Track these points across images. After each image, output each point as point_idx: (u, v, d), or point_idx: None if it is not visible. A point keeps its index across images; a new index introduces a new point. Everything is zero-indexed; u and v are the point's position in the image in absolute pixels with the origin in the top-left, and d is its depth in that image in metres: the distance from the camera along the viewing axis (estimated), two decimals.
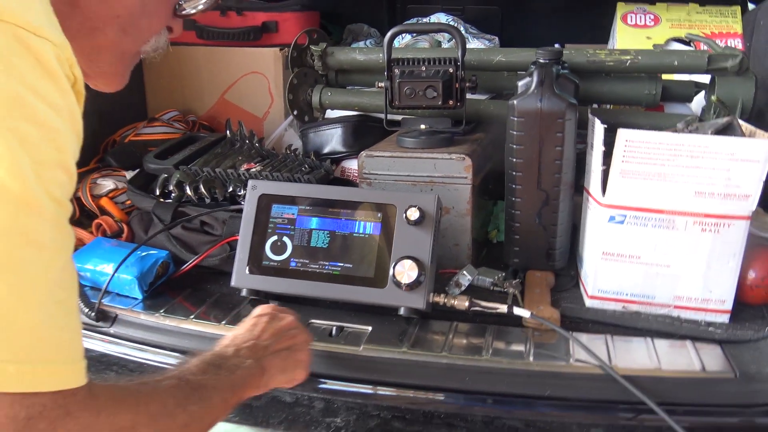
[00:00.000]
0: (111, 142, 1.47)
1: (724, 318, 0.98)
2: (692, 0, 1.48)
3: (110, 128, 1.51)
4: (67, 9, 0.63)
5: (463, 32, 1.54)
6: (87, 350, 0.98)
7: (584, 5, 1.74)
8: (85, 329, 1.02)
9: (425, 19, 1.61)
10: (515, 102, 1.01)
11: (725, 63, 1.14)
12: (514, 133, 1.03)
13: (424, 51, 1.38)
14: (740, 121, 1.00)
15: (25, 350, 0.50)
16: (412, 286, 0.95)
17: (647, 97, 1.22)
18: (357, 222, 1.01)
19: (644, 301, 1.00)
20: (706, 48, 1.22)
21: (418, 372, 0.89)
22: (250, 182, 1.06)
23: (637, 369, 0.86)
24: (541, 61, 1.05)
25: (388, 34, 1.16)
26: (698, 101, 1.29)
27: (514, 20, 1.85)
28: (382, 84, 1.17)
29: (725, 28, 1.43)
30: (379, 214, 1.00)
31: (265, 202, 1.04)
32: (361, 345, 0.92)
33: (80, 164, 1.37)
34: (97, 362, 0.99)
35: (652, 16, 1.48)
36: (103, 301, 1.03)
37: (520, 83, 1.08)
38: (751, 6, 1.49)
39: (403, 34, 1.61)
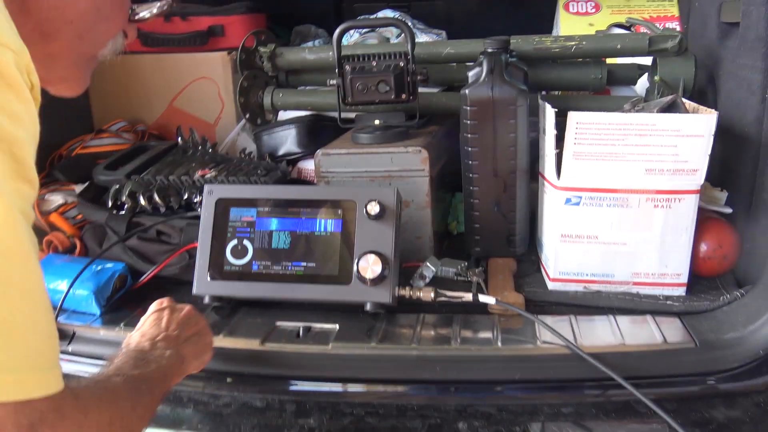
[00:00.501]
0: (57, 157, 1.42)
1: (681, 291, 1.01)
2: None
3: (56, 142, 1.46)
4: (20, 15, 0.61)
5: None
6: None
7: None
8: None
9: (372, 16, 1.61)
10: (467, 91, 1.02)
11: (665, 44, 1.17)
12: (468, 122, 1.04)
13: (373, 47, 1.38)
14: (683, 99, 1.03)
15: (18, 358, 0.52)
16: (377, 281, 0.95)
17: (594, 82, 1.24)
18: (317, 220, 1.00)
19: (604, 280, 1.03)
20: (646, 31, 1.25)
21: (389, 366, 0.89)
22: (206, 187, 1.04)
23: (603, 346, 0.88)
24: (489, 50, 1.07)
25: (337, 31, 1.15)
26: (642, 83, 1.33)
27: (459, 14, 1.86)
28: (333, 82, 1.17)
29: (662, 12, 1.47)
30: (339, 211, 1.00)
31: (223, 207, 1.03)
32: (329, 343, 0.92)
33: None
34: None
35: (593, 4, 1.51)
36: (59, 319, 1.00)
37: (470, 73, 1.09)
38: None
39: (352, 33, 1.61)
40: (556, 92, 1.37)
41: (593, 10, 1.49)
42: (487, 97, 1.01)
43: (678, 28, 1.45)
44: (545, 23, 1.66)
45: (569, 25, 1.48)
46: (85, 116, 1.60)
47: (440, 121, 1.31)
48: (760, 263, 0.98)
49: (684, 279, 1.01)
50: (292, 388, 0.89)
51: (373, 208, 0.97)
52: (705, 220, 1.03)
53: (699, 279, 1.03)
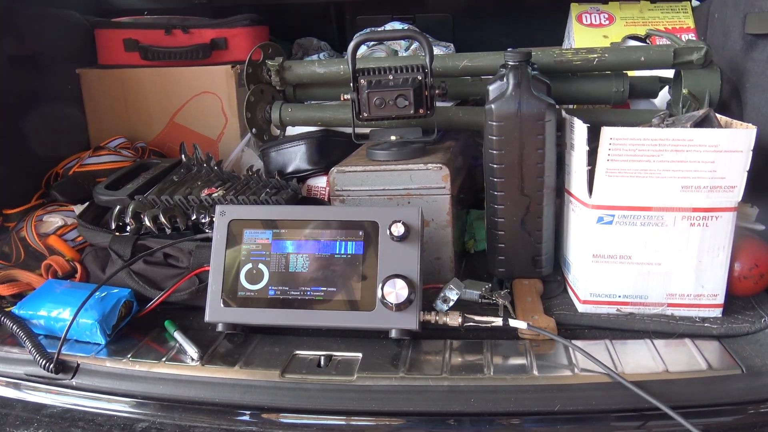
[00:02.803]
0: (54, 175, 1.36)
1: (718, 312, 0.97)
2: None
3: (51, 161, 1.40)
4: None
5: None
6: (47, 407, 0.91)
7: (534, 8, 1.74)
8: (43, 383, 0.93)
9: (380, 29, 1.57)
10: (493, 106, 0.98)
11: (690, 56, 1.14)
12: (494, 138, 0.99)
13: (388, 60, 1.34)
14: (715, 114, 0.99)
15: None
16: (403, 306, 0.90)
17: (615, 95, 1.21)
18: (337, 242, 0.95)
19: (637, 301, 0.98)
20: (667, 42, 1.21)
21: (419, 398, 0.83)
22: (218, 208, 0.98)
23: (645, 374, 0.83)
24: (511, 63, 1.02)
25: (352, 44, 1.11)
26: (662, 96, 1.30)
27: (465, 26, 1.83)
28: (347, 96, 1.12)
29: (678, 24, 1.44)
30: (361, 232, 0.95)
31: (236, 229, 0.97)
32: (354, 374, 0.86)
33: (22, 201, 1.27)
34: (60, 419, 0.89)
35: (607, 15, 1.48)
36: (62, 350, 0.93)
37: (491, 87, 1.04)
38: (695, 2, 1.52)
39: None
40: (571, 106, 1.33)
41: (607, 22, 1.46)
42: (514, 112, 0.97)
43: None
44: (553, 35, 1.63)
45: (583, 36, 1.45)
46: (81, 133, 1.54)
47: (454, 137, 1.27)
48: None
49: (721, 300, 0.96)
50: (317, 422, 0.84)
51: (398, 230, 0.92)
52: (739, 237, 0.99)
53: (733, 299, 0.99)
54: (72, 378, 0.91)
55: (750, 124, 0.91)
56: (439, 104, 1.26)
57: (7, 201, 1.26)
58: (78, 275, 1.11)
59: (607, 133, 0.91)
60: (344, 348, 0.92)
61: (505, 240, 1.05)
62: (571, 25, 1.50)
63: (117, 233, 1.11)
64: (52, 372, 0.91)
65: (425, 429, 0.82)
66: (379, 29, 1.56)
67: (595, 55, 1.16)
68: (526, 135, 0.98)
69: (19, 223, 1.20)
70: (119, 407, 0.89)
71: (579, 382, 0.83)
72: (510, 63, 1.02)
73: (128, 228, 1.11)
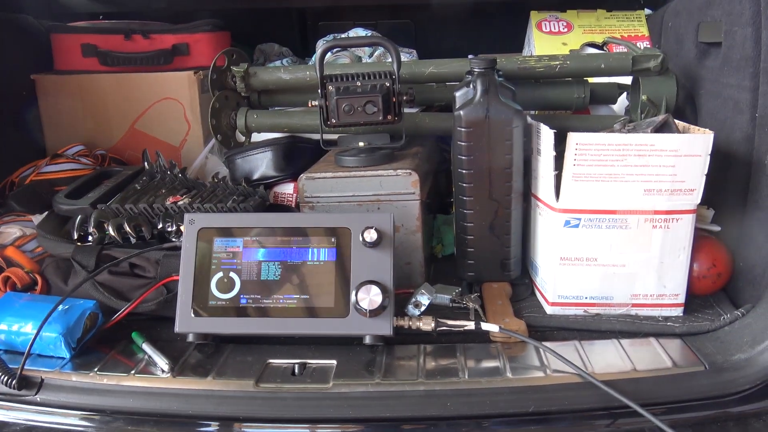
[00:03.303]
0: (9, 184, 1.31)
1: (679, 311, 1.00)
2: (600, 6, 1.53)
3: (5, 169, 1.35)
4: None
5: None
6: (9, 425, 0.87)
7: (494, 16, 1.77)
8: (4, 400, 0.89)
9: (344, 35, 1.57)
10: (462, 112, 0.99)
11: (648, 64, 1.17)
12: (463, 143, 1.00)
13: (354, 66, 1.34)
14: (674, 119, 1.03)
15: None
16: (377, 312, 0.90)
17: (577, 101, 1.24)
18: (309, 249, 0.95)
19: (603, 302, 1.01)
20: (624, 50, 1.25)
21: (396, 403, 0.83)
22: (187, 216, 0.97)
23: (614, 372, 0.86)
24: (477, 70, 1.04)
25: (320, 50, 1.11)
26: (620, 102, 1.33)
27: (426, 33, 1.85)
28: (315, 102, 1.12)
29: (633, 32, 1.49)
30: (333, 239, 0.95)
31: (206, 237, 0.96)
32: (330, 381, 0.86)
33: None
34: None
35: (565, 23, 1.51)
36: (25, 365, 0.90)
37: (458, 94, 1.06)
38: (647, 11, 1.57)
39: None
40: (533, 112, 1.36)
41: (566, 30, 1.50)
42: (483, 118, 0.98)
43: None
44: (513, 42, 1.66)
45: (543, 44, 1.48)
46: (37, 140, 1.49)
47: (420, 143, 1.28)
48: (755, 281, 0.98)
49: (682, 299, 1.00)
50: (294, 431, 0.83)
51: (371, 236, 0.92)
52: (697, 239, 1.03)
53: (693, 298, 1.03)
54: (36, 394, 0.88)
55: (707, 130, 0.95)
56: (405, 110, 1.27)
57: None
58: (38, 287, 1.07)
59: (573, 138, 0.93)
60: (318, 355, 0.92)
61: (474, 244, 1.06)
62: (531, 33, 1.53)
63: (79, 243, 1.08)
64: (14, 388, 0.87)
65: None
66: (344, 35, 1.56)
67: (558, 62, 1.19)
68: (495, 141, 0.99)
69: None
70: (87, 423, 0.87)
71: (551, 383, 0.85)
72: (476, 70, 1.03)
73: (90, 238, 1.08)
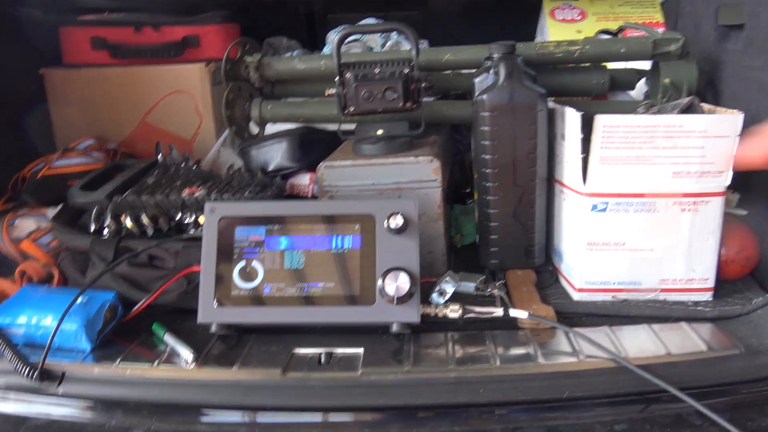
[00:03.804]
0: (21, 179, 1.30)
1: (708, 296, 0.99)
2: None
3: (16, 164, 1.33)
4: None
5: (395, 36, 1.51)
6: (31, 419, 0.85)
7: (506, 4, 1.75)
8: (27, 392, 0.88)
9: (360, 24, 1.55)
10: (485, 97, 0.97)
11: (668, 47, 1.16)
12: (486, 129, 0.99)
13: (370, 54, 1.33)
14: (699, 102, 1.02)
15: None
16: (404, 299, 0.89)
17: (596, 87, 1.22)
18: (333, 237, 0.93)
19: (631, 288, 0.99)
20: (644, 35, 1.24)
21: (428, 391, 0.81)
22: (207, 205, 0.95)
23: (648, 357, 0.84)
24: (498, 54, 1.02)
25: (337, 37, 1.09)
26: (638, 88, 1.32)
27: (436, 23, 1.83)
28: (332, 91, 1.10)
29: (648, 18, 1.47)
30: (357, 226, 0.93)
31: (227, 226, 0.94)
32: (358, 369, 0.84)
33: None
34: (46, 430, 0.84)
35: (579, 11, 1.50)
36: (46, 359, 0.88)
37: (477, 80, 1.04)
38: None
39: (330, 43, 1.55)
40: (551, 98, 1.34)
41: (579, 17, 1.48)
42: (507, 102, 0.97)
43: None
44: (524, 31, 1.65)
45: (557, 32, 1.47)
46: (47, 135, 1.47)
47: (436, 131, 1.27)
48: None
49: (711, 284, 0.98)
50: (324, 419, 0.81)
51: (396, 222, 0.90)
52: (724, 223, 1.02)
53: (721, 283, 1.01)
54: (58, 386, 0.86)
55: (734, 111, 0.94)
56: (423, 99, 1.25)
57: None
58: (55, 280, 1.05)
59: (600, 121, 0.91)
60: (343, 344, 0.90)
61: (497, 231, 1.05)
62: (544, 21, 1.52)
63: (96, 235, 1.06)
64: (36, 381, 0.86)
65: (434, 422, 0.81)
66: (359, 24, 1.54)
67: (577, 47, 1.17)
68: (519, 125, 0.98)
69: None
70: (111, 415, 0.85)
71: (585, 368, 0.83)
72: (497, 55, 1.02)
73: (107, 230, 1.06)
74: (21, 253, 1.09)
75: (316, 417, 0.81)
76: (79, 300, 0.94)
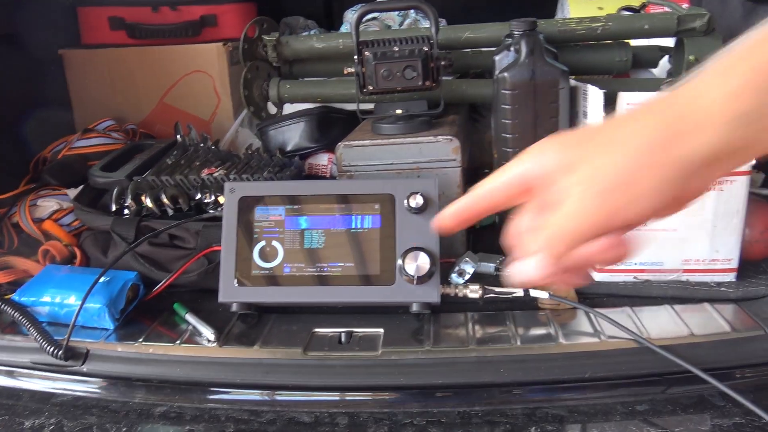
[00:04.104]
0: (42, 159, 1.31)
1: (732, 277, 0.97)
2: None
3: (37, 145, 1.35)
4: None
5: (413, 14, 1.49)
6: (56, 395, 0.87)
7: None
8: (51, 371, 0.89)
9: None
10: (506, 74, 0.96)
11: (693, 23, 1.14)
12: (507, 107, 0.98)
13: (389, 32, 1.31)
14: None
15: None
16: (424, 279, 0.88)
17: (618, 64, 1.20)
18: (353, 216, 0.93)
19: (653, 268, 0.98)
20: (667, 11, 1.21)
21: (448, 370, 0.82)
22: (227, 185, 0.95)
23: (671, 338, 0.83)
24: (519, 32, 1.01)
25: (356, 15, 1.08)
26: (661, 66, 1.30)
27: (452, 4, 1.80)
28: (351, 69, 1.09)
29: None
30: (377, 206, 0.93)
31: (247, 206, 0.94)
32: (378, 349, 0.84)
33: (8, 186, 1.21)
34: (71, 407, 0.85)
35: None
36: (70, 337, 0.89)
37: (498, 57, 1.03)
38: None
39: (347, 22, 1.54)
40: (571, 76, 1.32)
41: None
42: (528, 80, 0.95)
43: None
44: (543, 9, 1.62)
45: (578, 9, 1.44)
46: (66, 116, 1.48)
47: (455, 111, 1.25)
48: None
49: (735, 264, 0.97)
50: (344, 398, 0.82)
51: (416, 201, 0.90)
52: (748, 203, 1.00)
53: (745, 264, 1.00)
54: (82, 364, 0.88)
55: None
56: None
57: None
58: (78, 260, 1.06)
59: (624, 98, 0.90)
60: (363, 324, 0.91)
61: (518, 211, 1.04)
62: None
63: (117, 215, 1.07)
64: (61, 359, 0.87)
65: (455, 401, 0.81)
66: (378, 1, 1.53)
67: (599, 24, 1.15)
68: (540, 103, 0.96)
69: (10, 209, 1.15)
70: (134, 392, 0.86)
71: (607, 349, 0.83)
72: (518, 32, 1.00)
73: (127, 210, 1.07)
74: (43, 233, 1.10)
75: (337, 396, 0.82)
76: (102, 279, 0.95)
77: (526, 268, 0.44)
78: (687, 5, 1.42)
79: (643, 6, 1.35)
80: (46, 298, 0.94)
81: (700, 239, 0.96)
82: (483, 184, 0.47)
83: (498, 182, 0.46)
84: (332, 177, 1.25)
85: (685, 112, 0.40)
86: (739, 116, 0.38)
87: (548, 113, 0.97)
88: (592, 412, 0.79)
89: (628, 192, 0.40)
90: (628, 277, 0.98)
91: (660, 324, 0.87)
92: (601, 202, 0.40)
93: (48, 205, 1.13)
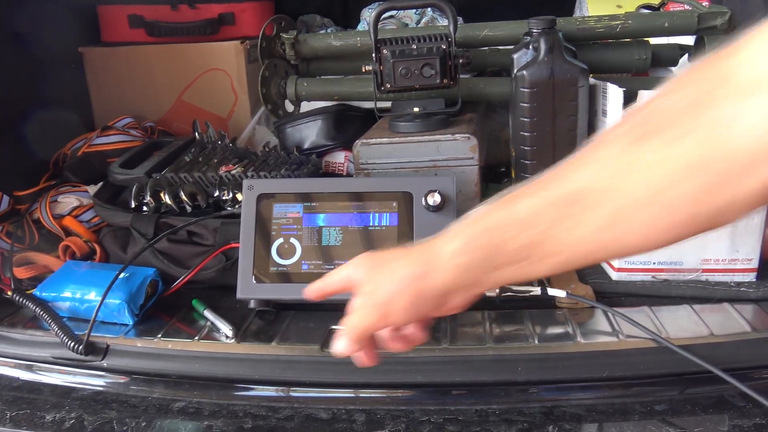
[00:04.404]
0: (62, 156, 1.32)
1: (752, 277, 0.96)
2: None
3: (57, 142, 1.36)
4: None
5: (430, 12, 1.49)
6: (76, 389, 0.88)
7: None
8: (72, 365, 0.90)
9: None
10: (525, 72, 0.96)
11: (714, 21, 1.13)
12: (525, 105, 0.97)
13: (407, 30, 1.31)
14: None
15: None
16: None
17: (638, 63, 1.19)
18: (371, 214, 0.93)
19: (672, 268, 0.97)
20: (687, 9, 1.20)
21: (466, 368, 0.82)
22: (246, 182, 0.96)
23: (691, 338, 0.83)
24: (537, 30, 1.00)
25: (374, 13, 1.08)
26: (681, 65, 1.28)
27: (470, 2, 1.80)
28: (369, 67, 1.09)
29: None
30: (395, 204, 0.93)
31: (265, 203, 0.95)
32: None
33: (29, 183, 1.22)
34: (91, 402, 0.86)
35: None
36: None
37: (516, 55, 1.03)
38: None
39: (367, 19, 1.54)
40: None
41: None
42: (548, 78, 0.95)
43: None
44: (561, 7, 1.61)
45: (596, 7, 1.43)
46: (86, 114, 1.50)
47: (472, 109, 1.25)
48: None
49: (755, 264, 0.96)
50: (361, 395, 0.82)
51: (434, 199, 0.90)
52: None
53: (766, 264, 0.99)
54: (102, 359, 0.89)
55: None
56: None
57: (14, 183, 1.22)
58: (97, 256, 1.08)
59: (644, 96, 0.89)
60: None
61: None
62: None
63: (136, 212, 1.08)
64: (82, 354, 0.88)
65: (472, 399, 0.81)
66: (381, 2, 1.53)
67: (619, 22, 1.14)
68: (559, 101, 0.96)
69: (31, 205, 1.16)
70: (153, 387, 0.87)
71: (625, 348, 0.82)
72: (537, 30, 1.00)
73: (146, 207, 1.08)
74: (63, 229, 1.11)
75: (354, 393, 0.82)
76: (122, 275, 0.95)
77: (337, 343, 0.63)
78: (707, 3, 1.41)
79: (662, 4, 1.34)
80: (67, 294, 0.95)
81: (719, 239, 0.95)
82: (327, 277, 0.68)
83: (334, 279, 0.67)
84: (348, 175, 1.25)
85: (431, 258, 0.57)
86: (461, 266, 0.55)
87: (567, 111, 0.96)
88: (611, 412, 0.78)
89: (391, 307, 0.59)
90: (647, 277, 0.98)
91: (679, 323, 0.87)
92: (375, 310, 0.59)
93: (68, 201, 1.14)
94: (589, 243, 0.51)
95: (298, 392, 0.84)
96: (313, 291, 0.70)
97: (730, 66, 0.43)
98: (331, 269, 0.90)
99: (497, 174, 1.36)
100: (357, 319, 0.61)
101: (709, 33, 1.14)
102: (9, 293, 0.99)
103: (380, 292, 0.60)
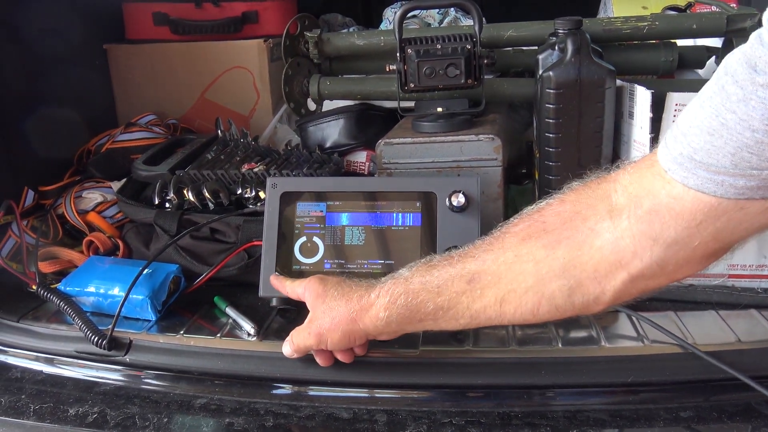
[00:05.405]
0: (86, 152, 1.33)
1: None
2: None
3: (80, 138, 1.37)
4: None
5: (453, 12, 1.48)
6: (99, 384, 0.88)
7: None
8: (95, 360, 0.91)
9: None
10: (551, 73, 0.95)
11: (744, 23, 1.11)
12: (551, 106, 0.96)
13: (431, 30, 1.31)
14: None
15: None
16: None
17: (664, 65, 1.18)
18: (394, 214, 0.93)
19: (698, 273, 0.96)
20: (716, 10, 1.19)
21: (489, 370, 0.81)
22: (270, 180, 0.96)
23: (717, 344, 0.82)
24: (564, 30, 0.99)
25: (399, 13, 1.08)
26: (708, 67, 1.27)
27: (492, 3, 1.79)
28: (393, 67, 1.09)
29: None
30: (418, 204, 0.92)
31: (289, 201, 0.95)
32: (417, 347, 0.84)
33: (54, 178, 1.23)
34: (114, 396, 0.87)
35: None
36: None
37: (542, 56, 1.02)
38: None
39: (390, 19, 1.54)
40: None
41: None
42: (574, 79, 0.94)
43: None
44: (586, 8, 1.59)
45: (622, 8, 1.41)
46: (109, 110, 1.51)
47: (495, 110, 1.24)
48: None
49: None
50: (383, 396, 0.82)
51: (458, 200, 0.90)
52: None
53: None
54: (125, 355, 0.89)
55: None
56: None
57: (38, 178, 1.23)
58: (120, 251, 1.08)
59: (673, 98, 0.88)
60: None
61: None
62: None
63: (159, 209, 1.08)
64: (105, 349, 0.88)
65: (494, 402, 0.80)
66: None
67: (646, 24, 1.13)
68: (585, 103, 0.95)
69: (56, 200, 1.17)
70: (176, 383, 0.88)
71: (650, 353, 0.82)
72: (563, 30, 0.99)
73: (169, 203, 1.08)
74: (87, 225, 1.12)
75: (376, 393, 0.82)
76: (145, 271, 0.96)
77: (284, 347, 0.81)
78: (735, 5, 1.39)
79: (689, 5, 1.32)
80: (91, 289, 0.96)
81: (747, 245, 0.93)
82: (287, 284, 0.85)
83: (289, 289, 0.85)
84: (370, 174, 1.25)
85: (363, 308, 0.73)
86: (384, 319, 0.72)
87: (593, 113, 0.95)
88: (635, 417, 0.78)
89: (325, 337, 0.76)
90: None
91: (705, 329, 0.86)
92: (313, 337, 0.77)
93: (92, 197, 1.15)
94: (484, 314, 0.66)
95: (319, 391, 0.84)
96: (274, 283, 0.88)
97: (610, 189, 0.59)
98: (354, 269, 0.91)
99: (518, 175, 1.35)
100: (299, 338, 0.79)
101: (738, 35, 1.12)
102: (33, 287, 1.00)
103: (318, 324, 0.76)
